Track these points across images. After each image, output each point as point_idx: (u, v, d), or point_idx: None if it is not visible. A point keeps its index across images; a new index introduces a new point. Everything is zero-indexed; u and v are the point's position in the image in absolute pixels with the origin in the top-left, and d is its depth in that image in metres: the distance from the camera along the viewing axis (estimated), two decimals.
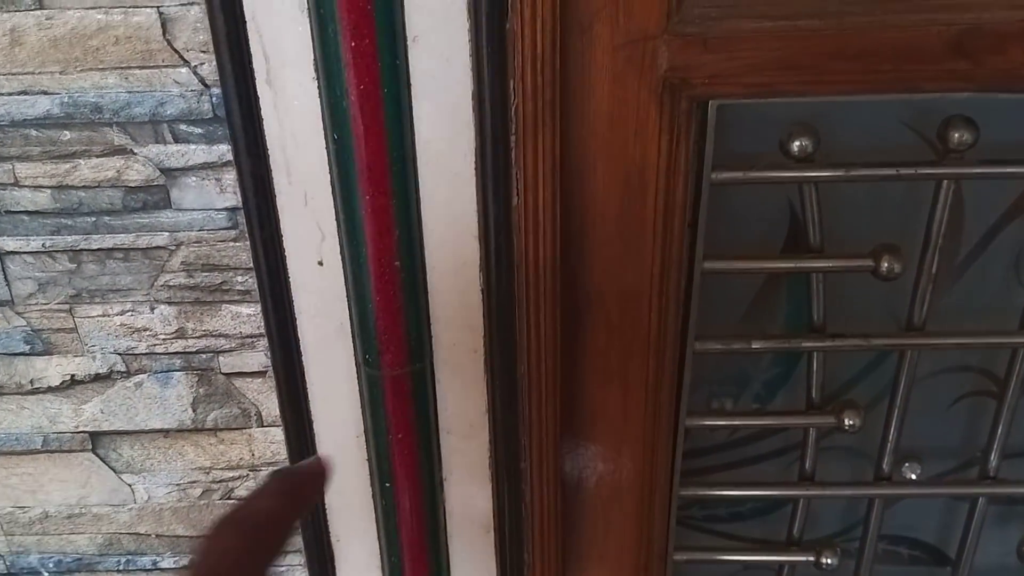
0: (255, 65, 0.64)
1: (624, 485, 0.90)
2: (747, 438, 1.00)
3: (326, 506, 0.84)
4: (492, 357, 0.76)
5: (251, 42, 0.63)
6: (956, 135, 0.76)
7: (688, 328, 0.84)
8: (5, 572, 0.91)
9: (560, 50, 0.67)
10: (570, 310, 0.80)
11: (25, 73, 0.65)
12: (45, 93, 0.66)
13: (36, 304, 0.75)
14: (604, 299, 0.80)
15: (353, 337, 0.75)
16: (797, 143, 0.77)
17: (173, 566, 0.90)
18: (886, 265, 0.80)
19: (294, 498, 0.46)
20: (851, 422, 0.88)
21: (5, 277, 0.74)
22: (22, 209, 0.71)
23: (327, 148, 0.66)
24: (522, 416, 0.80)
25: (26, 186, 0.70)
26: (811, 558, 0.96)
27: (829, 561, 0.96)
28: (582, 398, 0.85)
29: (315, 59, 0.63)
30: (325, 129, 0.65)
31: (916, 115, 0.81)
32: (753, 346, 0.86)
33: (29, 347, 0.78)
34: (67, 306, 0.75)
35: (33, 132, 0.68)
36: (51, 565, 0.91)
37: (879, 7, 0.68)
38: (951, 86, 0.71)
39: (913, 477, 0.98)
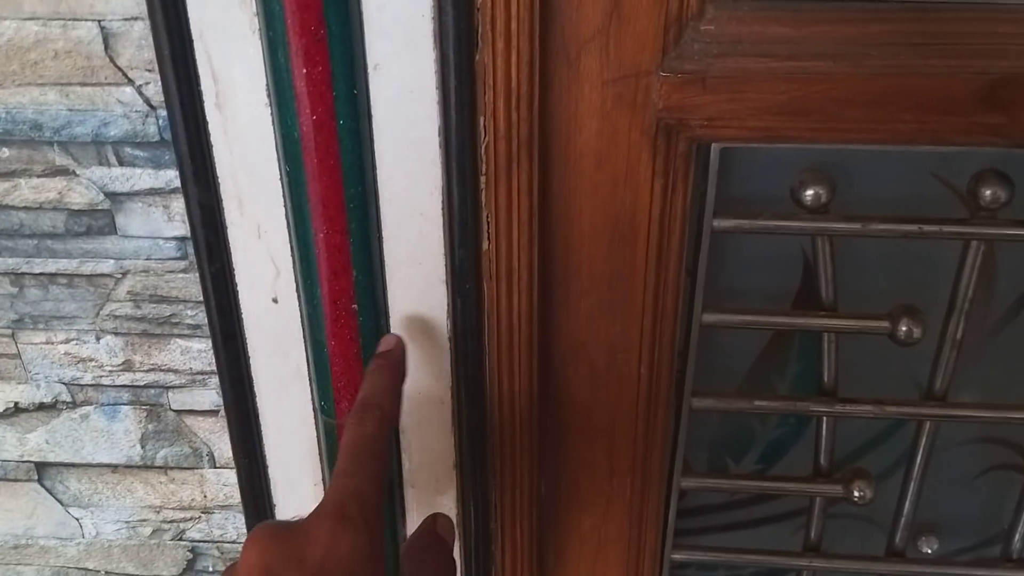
0: (204, 87, 0.59)
1: (609, 550, 0.84)
2: (750, 500, 0.93)
3: None
4: (460, 409, 0.70)
5: (199, 63, 0.58)
6: (988, 192, 0.69)
7: (684, 383, 0.78)
8: None
9: (541, 83, 0.60)
10: (550, 361, 0.74)
11: None
12: None
13: None
14: (588, 350, 0.74)
15: (311, 382, 0.69)
16: (810, 192, 0.70)
17: None
18: (904, 329, 0.73)
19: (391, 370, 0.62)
20: (860, 493, 0.81)
21: None
22: None
23: (281, 180, 0.61)
24: (493, 473, 0.74)
25: None
26: None
27: None
28: (564, 455, 0.78)
29: (267, 84, 0.58)
30: (278, 159, 0.60)
31: (946, 165, 0.73)
32: (755, 405, 0.79)
33: None
34: (9, 331, 0.71)
35: None
36: None
37: (901, 51, 0.61)
38: (981, 140, 0.64)
39: (929, 552, 0.91)
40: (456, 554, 0.76)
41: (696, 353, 0.76)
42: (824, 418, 0.80)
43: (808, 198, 0.70)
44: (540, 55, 0.59)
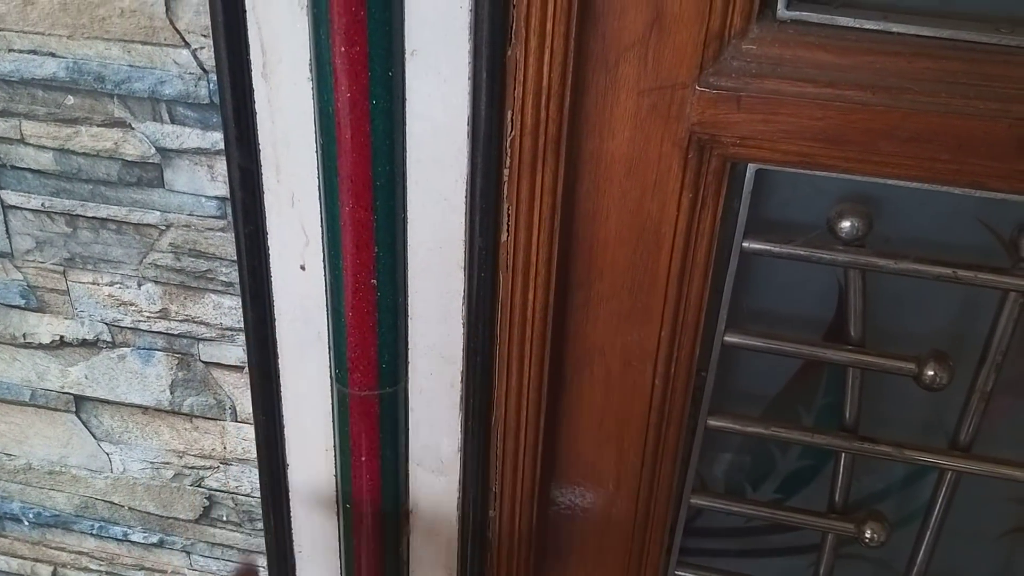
0: (252, 56, 0.62)
1: (609, 556, 0.84)
2: (765, 529, 0.92)
3: (291, 515, 0.81)
4: (469, 395, 0.72)
5: (250, 33, 0.61)
6: None
7: (702, 401, 0.78)
8: None
9: (575, 85, 0.62)
10: (566, 361, 0.75)
11: (36, 33, 0.65)
12: (53, 55, 0.65)
13: (33, 261, 0.76)
14: (604, 355, 0.75)
15: (329, 350, 0.72)
16: (846, 223, 0.69)
17: (143, 541, 0.90)
18: (931, 374, 0.72)
19: None
20: (872, 535, 0.80)
21: (7, 230, 0.74)
22: (26, 166, 0.71)
23: (316, 152, 0.63)
24: (494, 464, 0.75)
25: (31, 144, 0.70)
26: None
27: None
28: (575, 454, 0.79)
29: (310, 59, 0.60)
30: (315, 132, 0.63)
31: (994, 212, 0.71)
32: (771, 431, 0.78)
33: (24, 301, 0.78)
34: (61, 268, 0.75)
35: (40, 92, 0.67)
36: (31, 516, 0.92)
37: (943, 88, 0.60)
38: (1022, 189, 0.62)
39: None
40: (455, 527, 0.78)
41: (716, 372, 0.76)
42: (842, 454, 0.79)
43: (844, 229, 0.69)
44: (576, 57, 0.60)
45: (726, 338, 0.74)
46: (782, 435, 0.78)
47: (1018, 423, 0.79)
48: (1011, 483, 0.83)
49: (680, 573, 0.86)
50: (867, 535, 0.80)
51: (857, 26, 0.61)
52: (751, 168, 0.67)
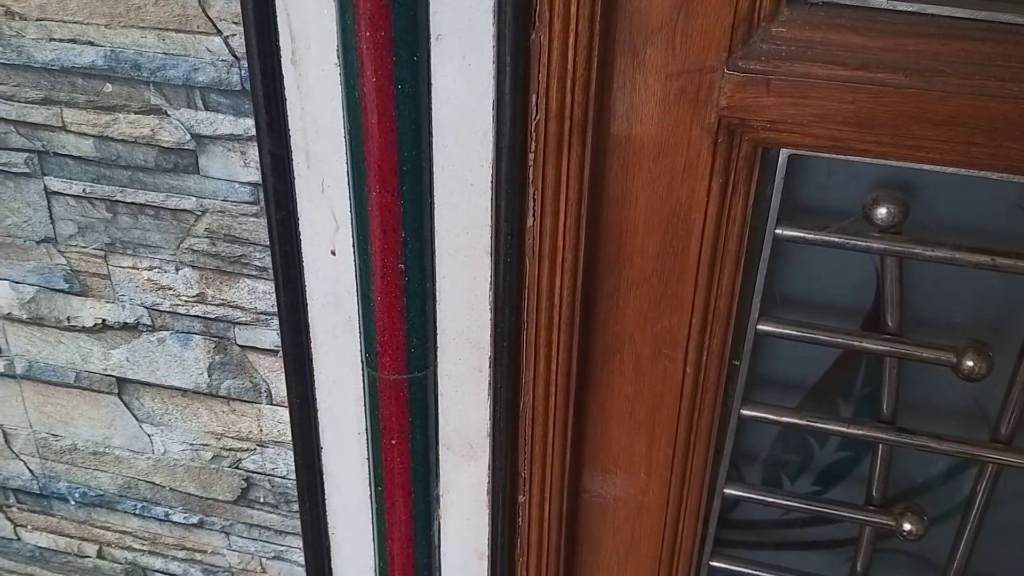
0: (281, 43, 0.63)
1: (643, 544, 0.84)
2: (803, 521, 0.91)
3: (326, 496, 0.82)
4: (497, 381, 0.72)
5: (279, 20, 0.62)
6: None
7: (735, 390, 0.77)
8: (38, 492, 0.96)
9: (600, 69, 0.61)
10: (596, 348, 0.75)
11: (75, 22, 0.67)
12: (91, 44, 0.67)
13: (76, 246, 0.78)
14: (635, 342, 0.74)
15: (360, 335, 0.73)
16: (882, 210, 0.68)
17: (183, 521, 0.92)
18: (969, 364, 0.70)
19: None
20: (910, 528, 0.78)
21: (51, 216, 0.77)
22: (67, 153, 0.73)
23: (344, 137, 0.64)
24: (523, 449, 0.76)
25: (72, 131, 0.72)
26: None
27: None
28: (606, 442, 0.79)
29: (337, 46, 0.61)
30: (343, 118, 0.63)
31: None
32: (806, 421, 0.77)
33: (68, 285, 0.81)
34: (102, 253, 0.77)
35: (80, 80, 0.69)
36: (77, 495, 0.95)
37: (978, 71, 0.58)
38: None
39: None
40: (484, 512, 0.79)
41: (749, 361, 0.75)
42: (880, 446, 0.78)
43: (879, 216, 0.68)
44: (602, 41, 0.60)
45: (759, 327, 0.73)
46: (816, 425, 0.77)
47: None
48: None
49: (715, 564, 0.86)
50: (905, 528, 0.78)
51: (890, 8, 0.59)
52: (784, 154, 0.66)
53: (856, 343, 0.74)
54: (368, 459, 0.78)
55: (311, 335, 0.75)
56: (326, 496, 0.82)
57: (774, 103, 0.61)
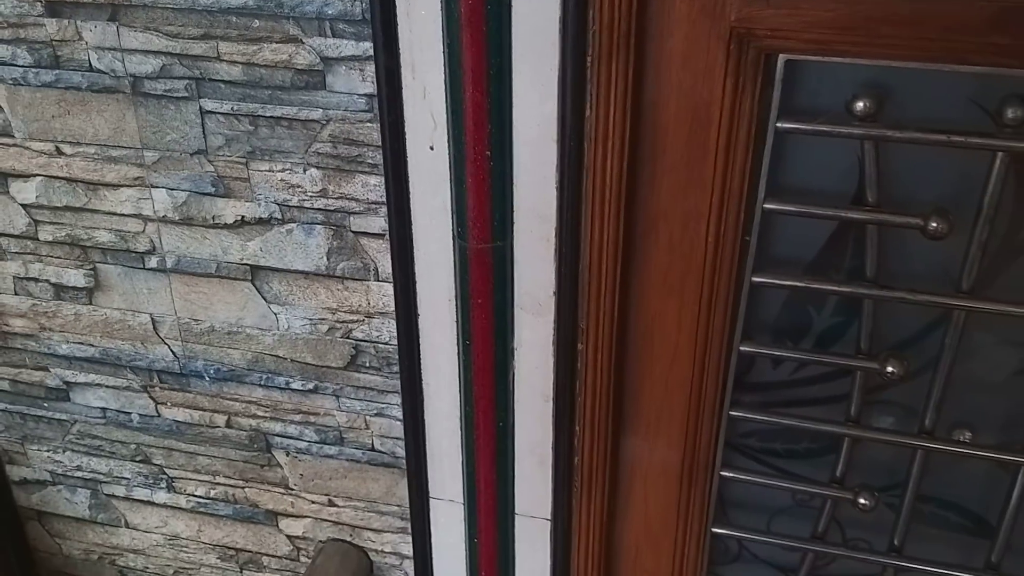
0: None
1: (675, 394, 1.03)
2: (806, 379, 1.08)
3: (421, 356, 1.02)
4: (562, 248, 0.92)
5: None
6: (1010, 111, 0.84)
7: (746, 259, 0.96)
8: (179, 372, 1.16)
9: None
10: (636, 226, 0.94)
11: None
12: None
13: (223, 155, 0.98)
14: (668, 219, 0.93)
15: (452, 213, 0.92)
16: (860, 104, 0.86)
17: (301, 388, 1.12)
18: (934, 225, 0.88)
19: None
20: (892, 369, 0.96)
21: (203, 131, 0.97)
22: (220, 78, 0.93)
23: (443, 52, 0.84)
24: (581, 305, 0.95)
25: (224, 60, 0.92)
26: (849, 497, 1.05)
27: (865, 502, 1.04)
28: (645, 305, 0.98)
29: None
30: (443, 35, 0.83)
31: (981, 92, 0.87)
32: (805, 283, 0.96)
33: (214, 189, 1.01)
34: (244, 160, 0.97)
35: (233, 18, 0.89)
36: (211, 371, 1.15)
37: None
38: (995, 61, 0.79)
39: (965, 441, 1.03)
40: (550, 361, 0.97)
41: (758, 236, 0.94)
42: (865, 302, 0.97)
43: (859, 109, 0.87)
44: None
45: (766, 205, 0.92)
46: (814, 286, 0.95)
47: (1015, 274, 0.94)
48: (1013, 330, 0.99)
49: (734, 413, 1.04)
50: (888, 370, 0.96)
51: None
52: (781, 59, 0.85)
53: (844, 214, 0.92)
54: (457, 320, 0.98)
55: (412, 219, 0.94)
56: (421, 356, 1.02)
57: (773, 13, 0.80)
